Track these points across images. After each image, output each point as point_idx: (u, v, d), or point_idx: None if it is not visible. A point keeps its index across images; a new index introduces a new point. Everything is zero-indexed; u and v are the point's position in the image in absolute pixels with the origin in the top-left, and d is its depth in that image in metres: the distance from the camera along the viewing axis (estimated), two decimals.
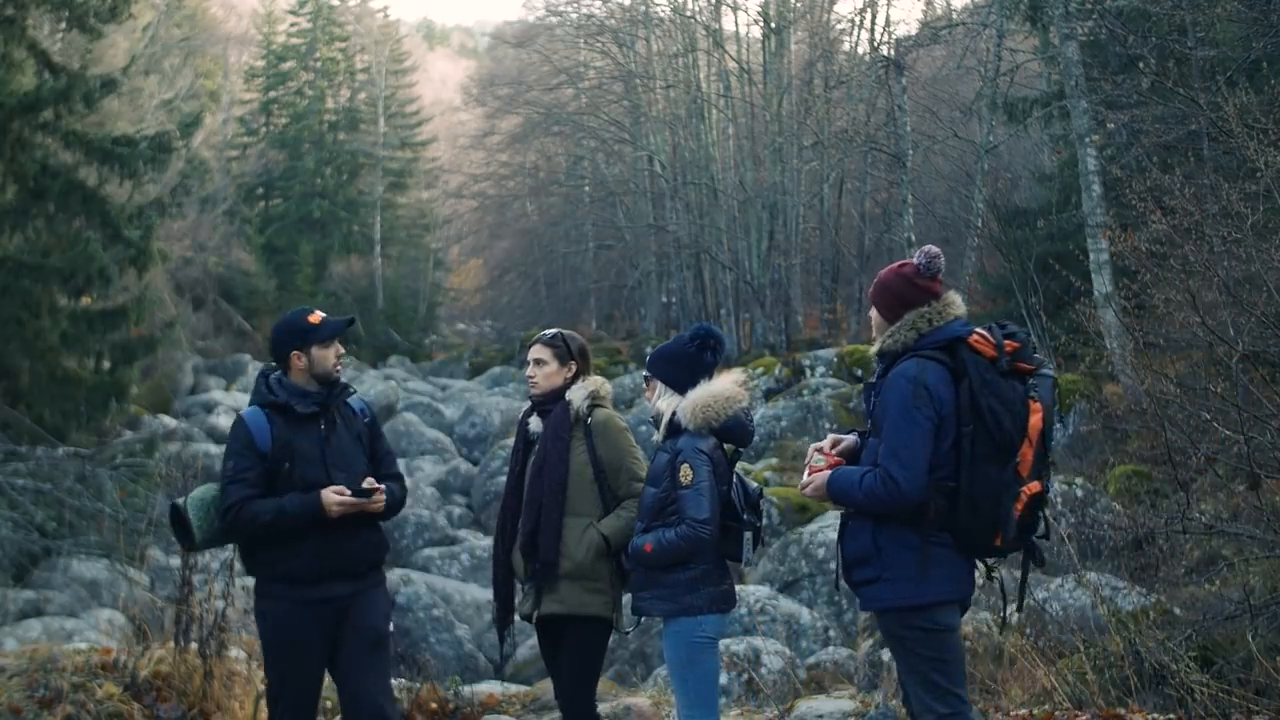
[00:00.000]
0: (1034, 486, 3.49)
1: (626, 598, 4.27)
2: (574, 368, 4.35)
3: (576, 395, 4.27)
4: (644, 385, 4.30)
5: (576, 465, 4.20)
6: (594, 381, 4.34)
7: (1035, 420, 3.47)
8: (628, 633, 4.43)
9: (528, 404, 4.47)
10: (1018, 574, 3.79)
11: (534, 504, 4.19)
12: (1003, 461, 3.45)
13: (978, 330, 3.57)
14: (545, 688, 6.05)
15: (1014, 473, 3.46)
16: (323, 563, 3.99)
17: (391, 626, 4.20)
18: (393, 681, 5.74)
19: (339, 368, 4.16)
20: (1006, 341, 3.54)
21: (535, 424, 4.34)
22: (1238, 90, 9.59)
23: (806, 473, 3.74)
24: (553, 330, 4.47)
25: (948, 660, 3.56)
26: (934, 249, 3.71)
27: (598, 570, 4.17)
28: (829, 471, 3.67)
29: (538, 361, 4.35)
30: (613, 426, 4.27)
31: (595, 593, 4.16)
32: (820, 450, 3.79)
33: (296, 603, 4.00)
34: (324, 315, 4.16)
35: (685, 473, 3.93)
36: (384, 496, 4.02)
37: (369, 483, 4.01)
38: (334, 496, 3.94)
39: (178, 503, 4.08)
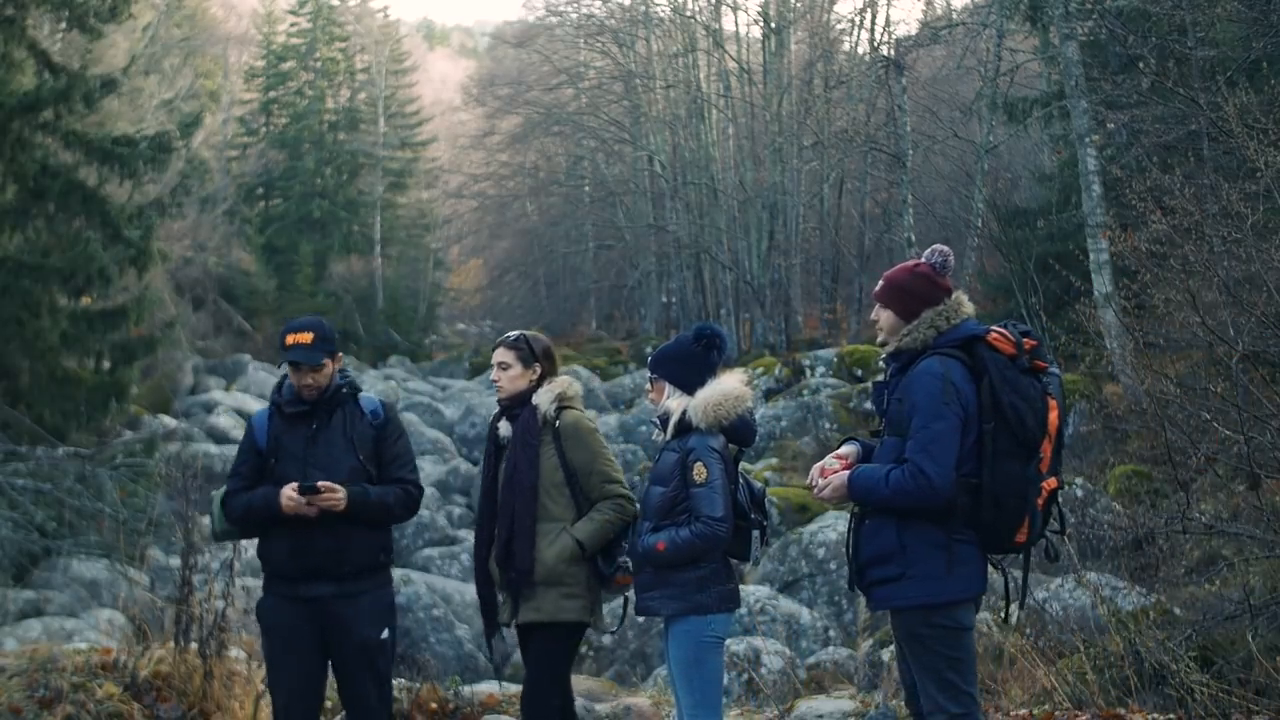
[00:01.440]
0: (1052, 482, 3.53)
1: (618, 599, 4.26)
2: (539, 370, 4.29)
3: (543, 399, 4.22)
4: (647, 387, 4.30)
5: (547, 470, 4.16)
6: (560, 383, 4.28)
7: (1053, 417, 3.51)
8: (613, 633, 4.44)
9: (497, 409, 4.42)
10: (1016, 572, 3.80)
11: (507, 511, 4.15)
12: (1026, 458, 3.48)
13: (994, 328, 3.60)
14: None
15: (1036, 469, 3.50)
16: (297, 561, 4.02)
17: (386, 634, 4.09)
18: (393, 681, 5.77)
19: (310, 389, 4.08)
20: (1025, 339, 3.57)
21: (505, 428, 4.29)
22: (1238, 90, 9.59)
23: (818, 476, 3.71)
24: (515, 332, 4.42)
25: (963, 659, 3.56)
26: (945, 248, 3.74)
27: (573, 575, 4.12)
28: (848, 472, 3.65)
29: (501, 365, 4.29)
30: (582, 428, 4.21)
31: (571, 598, 4.13)
32: (835, 457, 3.80)
33: (281, 598, 4.07)
34: (301, 341, 4.06)
35: (699, 470, 3.93)
36: (336, 496, 3.92)
37: (324, 483, 3.93)
38: (287, 492, 3.96)
39: (213, 494, 4.25)
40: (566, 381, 4.30)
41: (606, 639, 9.72)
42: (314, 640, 4.04)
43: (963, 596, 3.54)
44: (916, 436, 3.49)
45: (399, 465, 4.13)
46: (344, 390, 4.15)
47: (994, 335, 3.56)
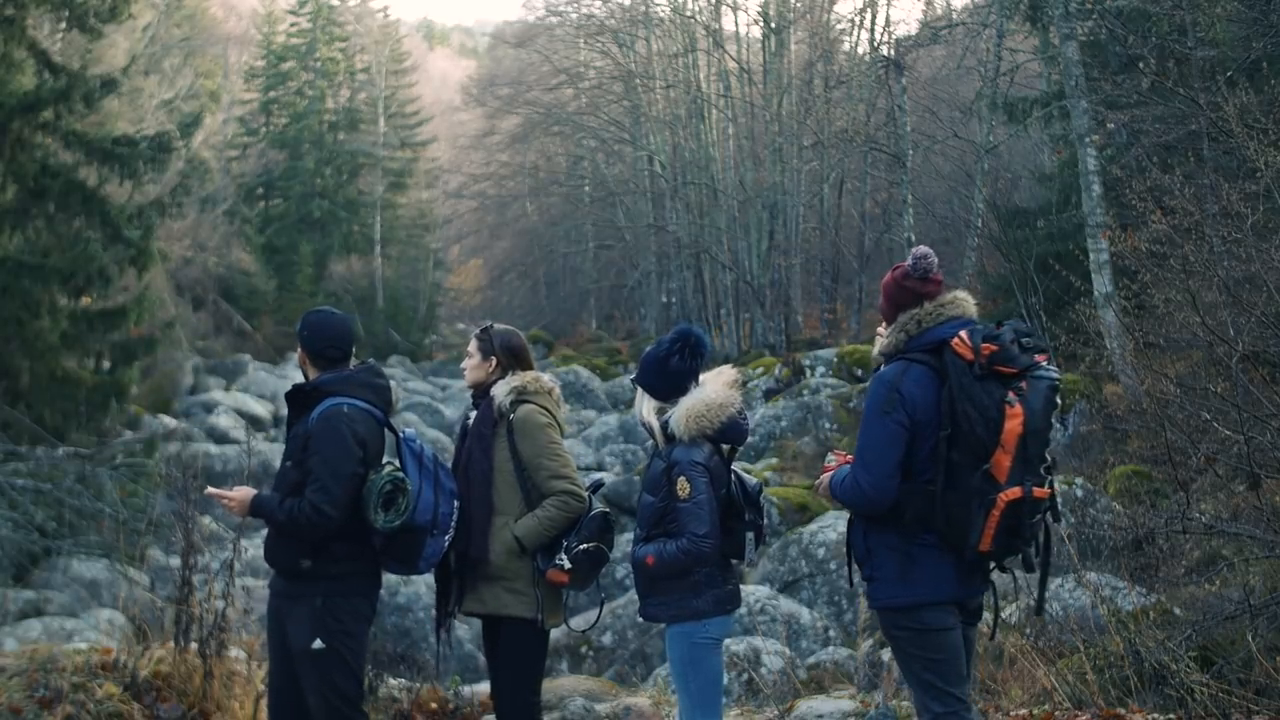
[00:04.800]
0: (1012, 493, 3.39)
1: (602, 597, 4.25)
2: (495, 362, 4.33)
3: (500, 390, 4.26)
4: (635, 395, 4.28)
5: (499, 461, 4.19)
6: (522, 377, 4.29)
7: (1012, 425, 3.38)
8: (584, 632, 4.44)
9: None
10: (1026, 574, 3.78)
11: (464, 499, 4.18)
12: (974, 467, 3.42)
13: (961, 332, 3.51)
14: (544, 688, 6.03)
15: (986, 479, 3.40)
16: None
17: (318, 644, 3.90)
18: (393, 681, 5.78)
19: (301, 369, 4.22)
20: (984, 344, 3.45)
21: (473, 419, 4.37)
22: (1238, 90, 9.60)
23: (820, 474, 3.82)
24: (488, 323, 4.51)
25: (939, 660, 3.56)
26: (922, 249, 3.69)
27: (514, 570, 4.12)
28: (832, 471, 3.74)
29: (468, 354, 4.43)
30: (531, 423, 4.20)
31: (513, 593, 4.13)
32: (834, 453, 3.86)
33: (270, 587, 4.14)
34: None
35: (682, 486, 3.91)
36: (226, 502, 3.98)
37: (211, 490, 4.05)
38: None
39: None
40: (530, 377, 4.31)
41: (607, 638, 9.72)
42: (279, 635, 4.06)
43: (923, 600, 3.54)
44: (858, 444, 3.58)
45: (309, 481, 3.89)
46: (306, 391, 4.07)
47: (956, 340, 3.50)
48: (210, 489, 4.03)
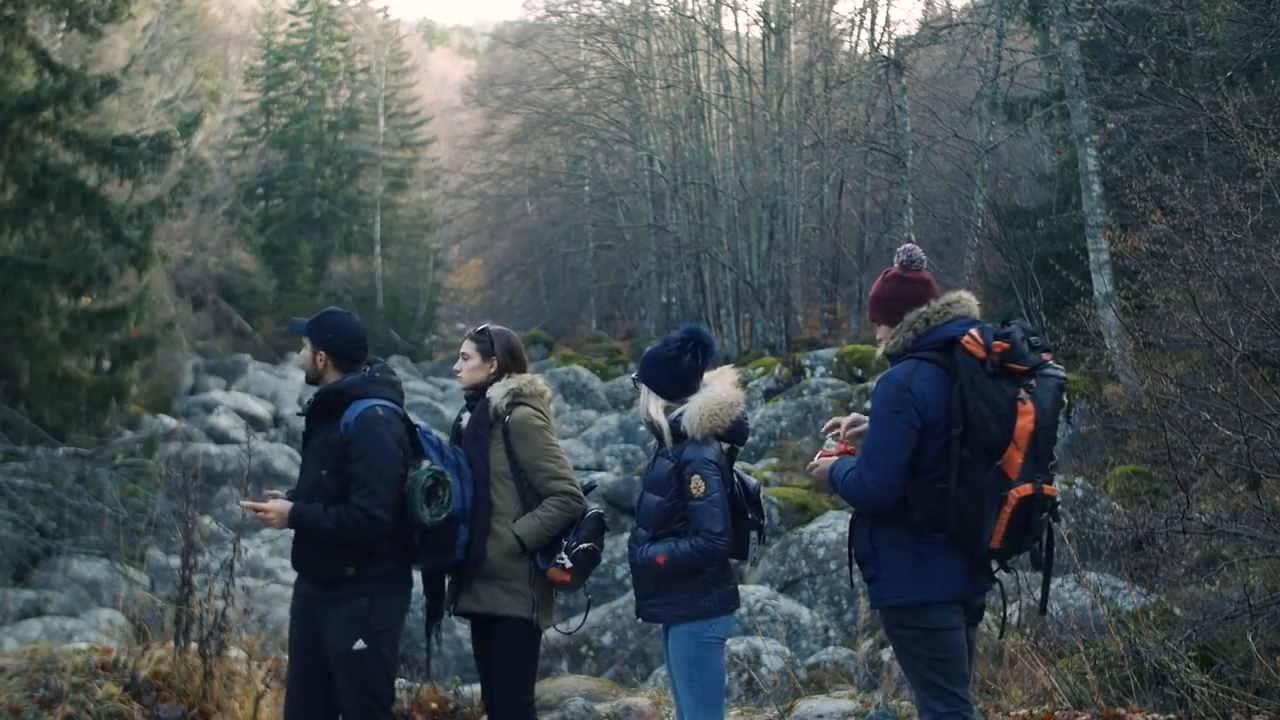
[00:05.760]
0: (1024, 489, 3.42)
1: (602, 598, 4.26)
2: (495, 364, 4.33)
3: (496, 393, 4.26)
4: (636, 393, 4.26)
5: (495, 463, 4.20)
6: (518, 379, 4.31)
7: (1024, 423, 3.41)
8: (570, 633, 4.44)
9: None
10: (1027, 573, 3.79)
11: None
12: (987, 464, 3.43)
13: (971, 330, 3.52)
14: (544, 688, 6.04)
15: (999, 475, 3.42)
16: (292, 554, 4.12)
17: (360, 644, 3.90)
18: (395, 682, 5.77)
19: (302, 366, 4.20)
20: (996, 342, 3.47)
21: (466, 420, 4.36)
22: (1238, 90, 9.61)
23: (818, 455, 3.78)
24: (483, 325, 4.50)
25: (944, 660, 3.56)
26: (909, 245, 3.73)
27: (512, 570, 4.13)
28: (834, 459, 3.71)
29: (464, 355, 4.40)
30: (528, 425, 4.21)
31: (510, 593, 4.13)
32: (836, 432, 3.83)
33: (295, 589, 4.14)
34: (306, 317, 4.26)
35: (697, 484, 3.90)
36: (264, 516, 3.96)
37: (247, 503, 4.05)
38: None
39: None
40: (526, 379, 4.33)
41: (607, 638, 9.72)
42: (311, 638, 4.03)
43: (932, 599, 3.53)
44: (865, 443, 3.57)
45: (355, 486, 3.90)
46: (332, 395, 4.04)
47: (967, 338, 3.50)
48: (244, 502, 4.01)
